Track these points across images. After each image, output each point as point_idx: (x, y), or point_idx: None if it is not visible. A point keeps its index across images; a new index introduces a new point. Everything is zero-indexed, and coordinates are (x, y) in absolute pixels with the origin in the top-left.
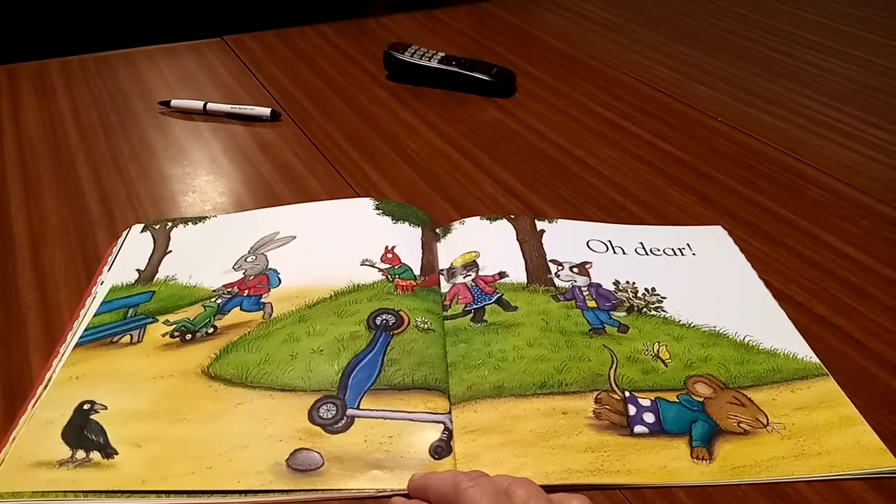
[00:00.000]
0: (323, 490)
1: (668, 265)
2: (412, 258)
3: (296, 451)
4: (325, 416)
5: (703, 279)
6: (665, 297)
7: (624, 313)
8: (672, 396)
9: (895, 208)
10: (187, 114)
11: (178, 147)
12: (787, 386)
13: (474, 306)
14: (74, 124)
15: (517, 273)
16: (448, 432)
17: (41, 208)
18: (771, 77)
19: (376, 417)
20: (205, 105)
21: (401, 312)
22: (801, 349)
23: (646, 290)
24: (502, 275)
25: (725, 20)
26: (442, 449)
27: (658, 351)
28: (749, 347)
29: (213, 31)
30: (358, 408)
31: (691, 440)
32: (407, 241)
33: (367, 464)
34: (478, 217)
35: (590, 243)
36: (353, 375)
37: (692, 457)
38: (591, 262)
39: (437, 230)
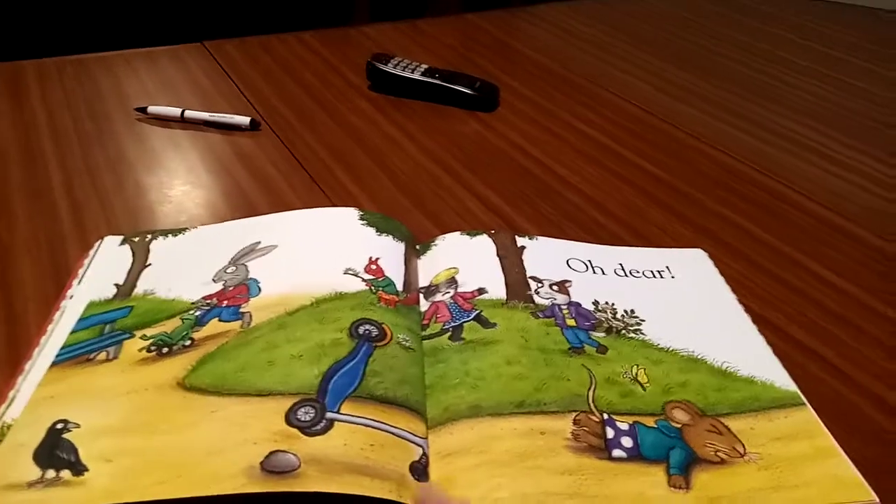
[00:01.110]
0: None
1: (648, 287)
2: (395, 272)
3: (271, 453)
4: (302, 419)
5: (683, 303)
6: (644, 320)
7: (603, 334)
8: (650, 421)
9: (878, 236)
10: (164, 121)
11: (154, 156)
12: (764, 415)
13: (452, 324)
14: (48, 129)
15: (496, 289)
16: (425, 457)
17: (10, 218)
18: (756, 99)
19: (357, 423)
20: (182, 112)
21: (384, 325)
22: (779, 377)
23: (625, 311)
24: (481, 291)
25: (712, 41)
26: (419, 471)
27: (636, 374)
28: (727, 374)
29: (193, 35)
30: (338, 412)
31: (668, 467)
32: (391, 254)
33: (348, 468)
34: (458, 232)
35: (570, 262)
36: (333, 381)
37: (669, 485)
38: (570, 281)
39: (417, 247)
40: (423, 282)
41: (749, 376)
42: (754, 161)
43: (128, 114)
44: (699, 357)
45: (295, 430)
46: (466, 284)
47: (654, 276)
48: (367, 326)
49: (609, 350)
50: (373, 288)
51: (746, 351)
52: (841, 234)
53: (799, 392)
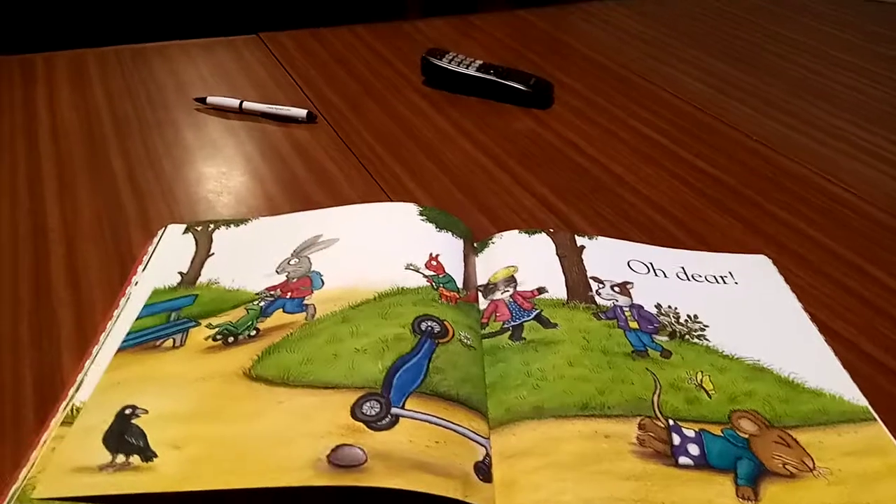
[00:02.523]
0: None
1: (711, 292)
2: (455, 269)
3: (338, 447)
4: (368, 413)
5: (747, 309)
6: (708, 326)
7: (666, 338)
8: (716, 430)
9: None
10: (222, 111)
11: (212, 145)
12: (833, 429)
13: (512, 323)
14: (109, 116)
15: (557, 289)
16: (489, 458)
17: (75, 203)
18: (807, 97)
19: (422, 420)
20: (241, 103)
21: (445, 322)
22: (848, 390)
23: (688, 316)
24: (541, 290)
25: (758, 36)
26: (483, 471)
27: (701, 381)
28: (794, 385)
29: (248, 27)
30: (403, 408)
31: (736, 478)
32: (451, 251)
33: (414, 464)
34: (516, 231)
35: (630, 263)
36: (397, 376)
37: (738, 495)
38: (632, 283)
39: (475, 244)
40: (481, 280)
41: (817, 388)
42: (811, 162)
43: (187, 103)
44: (765, 366)
45: (361, 424)
46: (526, 283)
47: (717, 282)
48: (430, 322)
49: (673, 355)
50: (434, 284)
51: (814, 362)
52: None
53: (869, 406)
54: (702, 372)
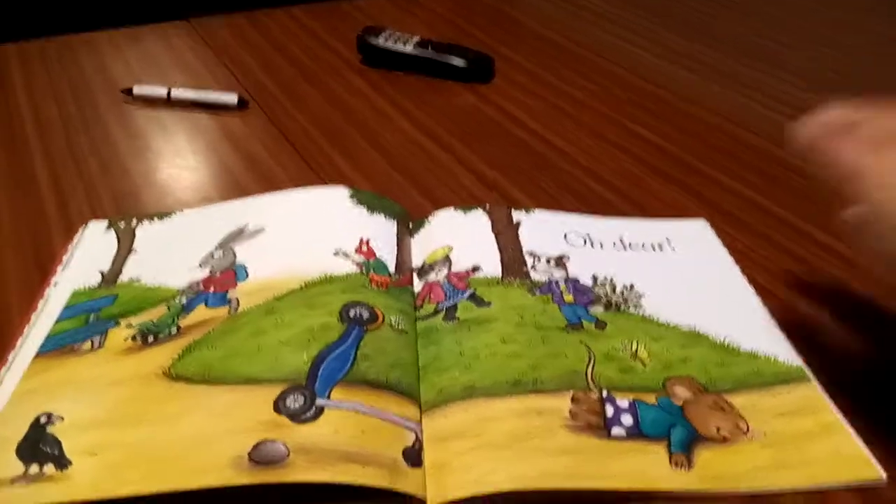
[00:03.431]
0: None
1: (648, 260)
2: (387, 253)
3: (259, 443)
4: (291, 406)
5: (684, 276)
6: (644, 294)
7: (601, 309)
8: (651, 398)
9: None
10: (151, 102)
11: (140, 139)
12: (767, 390)
13: (446, 304)
14: (32, 116)
15: (492, 266)
16: (419, 443)
17: None
18: (759, 65)
19: (348, 409)
20: (168, 91)
21: (375, 308)
22: (784, 351)
23: (625, 286)
24: (476, 269)
25: (713, 6)
26: (412, 457)
27: (636, 350)
28: (729, 349)
29: (179, 12)
30: (328, 398)
31: (670, 445)
32: (382, 234)
33: (339, 456)
34: (451, 208)
35: (567, 236)
36: (323, 366)
37: (671, 463)
38: (568, 256)
39: (410, 225)
40: (416, 261)
41: (752, 351)
42: (758, 128)
43: (114, 96)
44: (701, 332)
45: (284, 419)
46: (460, 263)
47: (655, 249)
48: (358, 309)
49: (608, 326)
50: (364, 270)
51: (749, 325)
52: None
53: (804, 366)
54: (636, 341)
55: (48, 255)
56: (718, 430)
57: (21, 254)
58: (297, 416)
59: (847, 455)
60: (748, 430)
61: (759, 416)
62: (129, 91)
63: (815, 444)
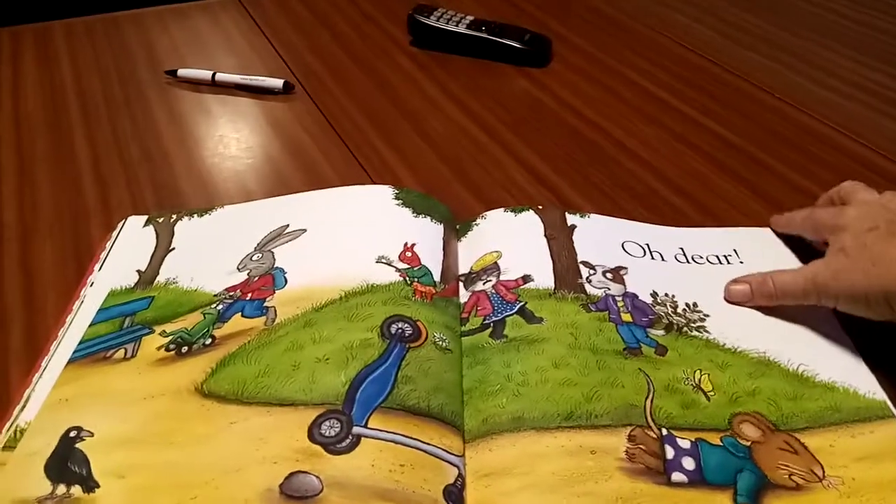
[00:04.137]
0: None
1: (712, 275)
2: (432, 260)
3: (291, 474)
4: (327, 434)
5: None
6: (708, 315)
7: (662, 331)
8: (715, 438)
9: None
10: (195, 84)
11: (182, 124)
12: (846, 429)
13: (493, 318)
14: (76, 96)
15: (544, 276)
16: (461, 479)
17: (35, 194)
18: (833, 46)
19: (386, 440)
20: (213, 75)
21: (418, 323)
22: (865, 382)
23: (686, 305)
24: (526, 279)
25: None
26: (454, 496)
27: (700, 381)
28: (803, 379)
29: None
30: (366, 426)
31: (736, 494)
32: (428, 239)
33: (374, 493)
34: (501, 209)
35: (625, 245)
36: (361, 389)
37: None
38: (626, 268)
39: (457, 227)
40: (463, 268)
41: (829, 381)
42: (833, 119)
43: (158, 76)
44: (771, 359)
45: (318, 448)
46: (510, 271)
47: (720, 262)
48: (401, 324)
49: (669, 351)
50: (407, 279)
51: (826, 350)
52: None
53: (888, 401)
54: (700, 370)
55: (87, 249)
56: (790, 475)
57: (60, 248)
58: (332, 446)
59: None
60: (823, 475)
61: (837, 459)
62: (173, 73)
63: None
